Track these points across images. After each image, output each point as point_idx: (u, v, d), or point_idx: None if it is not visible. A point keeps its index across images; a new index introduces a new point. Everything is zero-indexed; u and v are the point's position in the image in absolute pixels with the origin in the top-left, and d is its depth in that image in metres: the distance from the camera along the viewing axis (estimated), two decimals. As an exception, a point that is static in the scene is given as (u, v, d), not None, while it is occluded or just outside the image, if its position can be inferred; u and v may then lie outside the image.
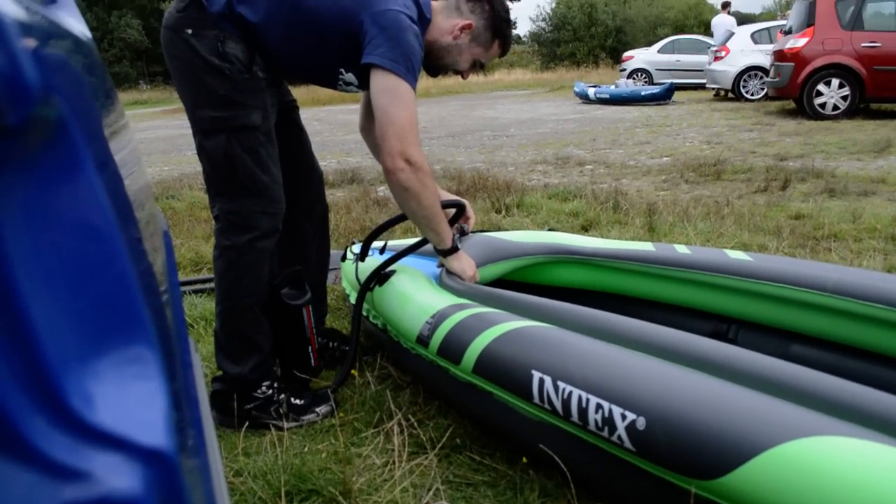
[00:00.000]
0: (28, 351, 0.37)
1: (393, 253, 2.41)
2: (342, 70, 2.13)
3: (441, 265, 2.29)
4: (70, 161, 0.45)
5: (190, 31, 1.97)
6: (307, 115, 2.51)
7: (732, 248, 3.53)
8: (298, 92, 2.34)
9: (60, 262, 0.43)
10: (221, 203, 2.09)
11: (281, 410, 2.14)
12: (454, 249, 2.20)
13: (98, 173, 0.47)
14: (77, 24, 0.76)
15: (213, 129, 2.01)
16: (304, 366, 2.33)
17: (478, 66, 2.30)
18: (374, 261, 2.44)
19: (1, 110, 0.34)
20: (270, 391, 2.16)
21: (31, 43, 0.39)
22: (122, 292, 0.48)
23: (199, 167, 2.21)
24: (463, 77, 2.33)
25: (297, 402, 2.18)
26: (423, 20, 2.12)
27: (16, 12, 0.41)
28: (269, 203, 2.09)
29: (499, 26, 2.21)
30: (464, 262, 2.21)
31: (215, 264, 2.13)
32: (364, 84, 2.11)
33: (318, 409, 2.17)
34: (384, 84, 1.97)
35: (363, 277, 2.37)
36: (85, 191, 0.45)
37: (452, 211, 2.36)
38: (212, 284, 3.16)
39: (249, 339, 2.15)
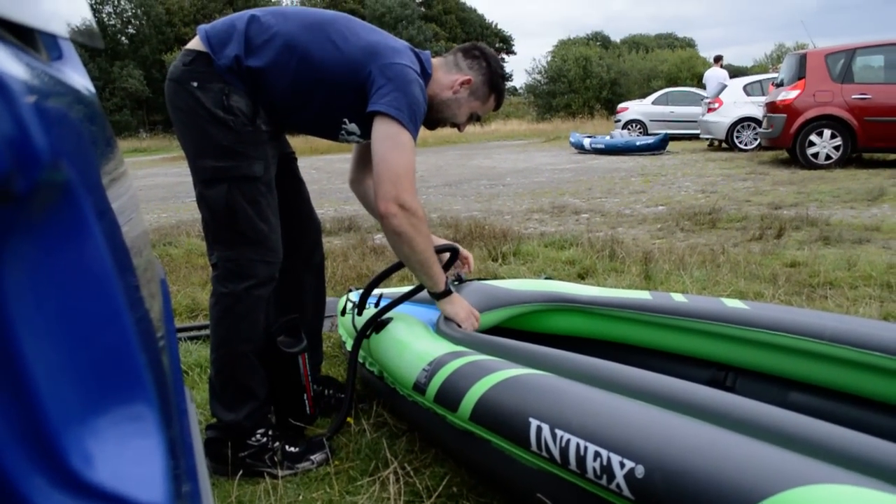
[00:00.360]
0: (29, 410, 0.37)
1: (389, 301, 2.41)
2: (346, 120, 2.18)
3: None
4: (75, 224, 0.45)
5: (196, 84, 2.00)
6: (305, 164, 2.55)
7: (728, 296, 3.54)
8: (296, 141, 2.38)
9: (62, 321, 0.43)
10: (220, 251, 2.10)
11: (275, 458, 2.12)
12: (447, 293, 2.21)
13: (102, 234, 0.48)
14: (81, 80, 0.77)
15: (214, 178, 2.04)
16: (300, 413, 2.31)
17: (474, 119, 2.37)
18: (370, 311, 2.44)
19: (10, 177, 0.35)
20: (265, 439, 2.14)
21: (39, 107, 0.40)
22: (122, 351, 0.48)
23: (196, 215, 2.23)
24: (459, 129, 2.40)
25: (292, 449, 2.15)
26: (425, 75, 2.19)
27: (24, 75, 0.42)
28: (267, 252, 2.10)
29: (495, 81, 2.29)
30: (457, 306, 2.22)
31: (211, 311, 2.13)
32: (367, 133, 2.15)
33: (313, 457, 2.15)
34: (387, 131, 2.01)
35: (360, 324, 2.37)
36: (88, 252, 0.46)
37: (446, 256, 2.39)
38: (207, 331, 3.15)
39: (245, 386, 2.14)
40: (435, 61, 2.28)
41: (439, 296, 2.22)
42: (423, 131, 2.18)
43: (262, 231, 2.08)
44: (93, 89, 0.82)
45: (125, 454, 0.45)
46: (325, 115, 2.18)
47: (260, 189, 2.08)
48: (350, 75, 2.07)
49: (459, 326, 2.17)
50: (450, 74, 2.26)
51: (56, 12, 0.69)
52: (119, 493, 0.41)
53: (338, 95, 2.12)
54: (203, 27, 2.10)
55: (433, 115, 2.27)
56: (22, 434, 0.36)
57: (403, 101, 2.02)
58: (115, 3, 44.92)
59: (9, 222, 0.37)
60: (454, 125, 2.35)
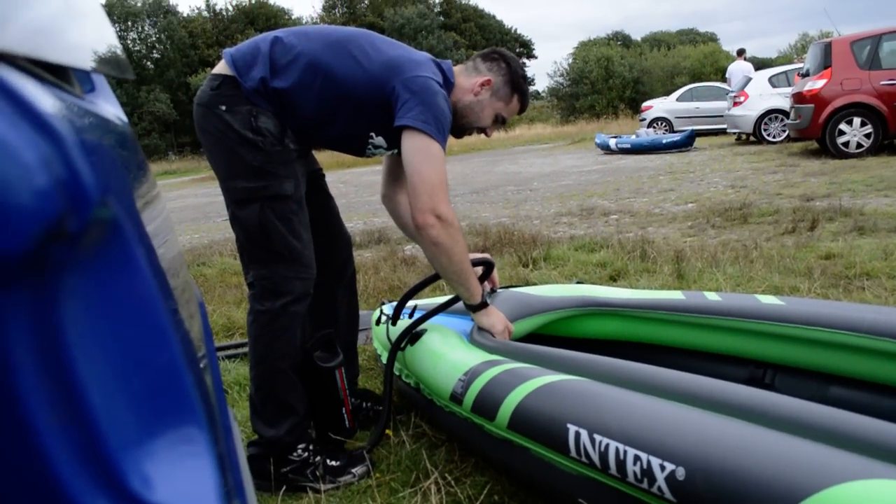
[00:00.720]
0: (90, 436, 0.39)
1: (423, 312, 2.43)
2: (372, 134, 2.21)
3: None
4: (121, 255, 0.47)
5: (224, 108, 2.05)
6: (333, 178, 2.57)
7: (763, 291, 3.50)
8: (323, 156, 2.41)
9: (115, 349, 0.45)
10: (255, 270, 2.14)
11: (318, 472, 2.14)
12: (483, 305, 2.22)
13: (145, 261, 0.50)
14: (113, 110, 0.80)
15: (246, 198, 2.08)
16: (339, 427, 2.33)
17: (500, 122, 2.37)
18: (404, 323, 2.46)
19: (63, 218, 0.37)
20: (306, 454, 2.17)
21: (84, 145, 0.42)
22: (171, 375, 0.50)
23: (228, 234, 2.27)
24: (487, 135, 2.41)
25: (334, 463, 2.18)
26: (448, 84, 2.22)
27: (67, 115, 0.44)
28: (302, 268, 2.14)
29: (516, 81, 2.30)
30: (493, 318, 2.23)
31: (249, 330, 2.16)
32: (393, 145, 2.18)
33: (354, 470, 2.17)
34: (417, 144, 2.04)
35: (394, 337, 2.39)
36: (135, 280, 0.48)
37: (481, 269, 2.39)
38: (244, 349, 3.18)
39: (284, 402, 2.17)
40: (456, 69, 2.31)
41: (476, 307, 2.23)
42: (449, 140, 2.20)
43: (295, 248, 2.12)
44: (124, 118, 0.85)
45: (180, 475, 0.47)
46: (352, 130, 2.22)
47: (291, 207, 2.12)
48: (374, 91, 2.10)
49: (493, 336, 2.18)
50: (470, 78, 2.28)
51: (88, 48, 0.72)
52: None
53: (363, 111, 2.15)
54: (228, 51, 2.14)
55: (458, 122, 2.29)
56: (85, 459, 0.38)
57: (430, 114, 2.05)
58: (140, 29, 45.83)
59: (63, 261, 0.39)
60: (481, 130, 2.37)
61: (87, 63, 0.68)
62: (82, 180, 0.39)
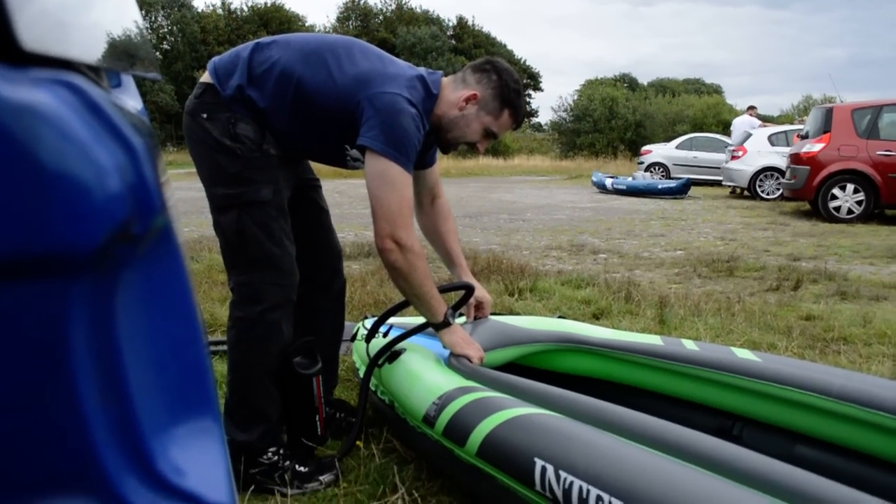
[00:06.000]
0: (126, 415, 0.43)
1: (400, 331, 2.45)
2: (347, 147, 2.20)
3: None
4: (170, 256, 0.51)
5: (205, 116, 2.09)
6: (328, 187, 2.59)
7: (741, 345, 3.55)
8: (321, 165, 2.42)
9: (156, 339, 0.49)
10: (234, 276, 2.16)
11: (286, 477, 2.15)
12: (445, 324, 2.23)
13: (185, 263, 0.54)
14: (136, 103, 0.82)
15: (225, 205, 2.11)
16: (311, 434, 2.35)
17: (490, 137, 2.28)
18: (379, 341, 2.47)
19: (129, 222, 0.40)
20: (276, 457, 2.18)
21: (149, 155, 0.46)
22: (198, 368, 0.54)
23: (219, 231, 2.28)
24: (478, 150, 2.33)
25: (302, 469, 2.19)
26: (430, 97, 2.17)
27: (137, 124, 0.47)
28: (280, 275, 2.15)
29: (507, 95, 2.20)
30: (455, 336, 2.24)
31: (228, 334, 2.19)
32: None
33: (322, 478, 2.18)
34: (375, 167, 2.04)
35: (372, 353, 2.41)
36: (178, 280, 0.52)
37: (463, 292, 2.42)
38: (223, 347, 3.20)
39: (258, 407, 2.19)
40: (445, 80, 2.25)
41: (437, 326, 2.24)
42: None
43: (273, 255, 2.13)
44: (141, 107, 0.88)
45: (200, 463, 0.51)
46: (327, 143, 2.22)
47: (270, 213, 2.13)
48: (342, 105, 2.08)
49: (469, 361, 2.20)
50: (456, 91, 2.21)
51: (126, 49, 0.75)
52: (194, 492, 0.47)
53: (334, 124, 2.13)
54: (213, 60, 2.19)
55: (444, 136, 2.25)
56: (119, 436, 0.42)
57: (390, 134, 2.01)
58: (152, 18, 45.90)
59: (124, 259, 0.43)
60: (471, 145, 2.29)
61: (127, 66, 0.71)
62: (149, 189, 0.43)
